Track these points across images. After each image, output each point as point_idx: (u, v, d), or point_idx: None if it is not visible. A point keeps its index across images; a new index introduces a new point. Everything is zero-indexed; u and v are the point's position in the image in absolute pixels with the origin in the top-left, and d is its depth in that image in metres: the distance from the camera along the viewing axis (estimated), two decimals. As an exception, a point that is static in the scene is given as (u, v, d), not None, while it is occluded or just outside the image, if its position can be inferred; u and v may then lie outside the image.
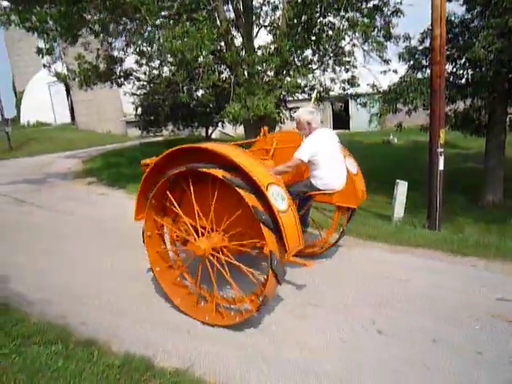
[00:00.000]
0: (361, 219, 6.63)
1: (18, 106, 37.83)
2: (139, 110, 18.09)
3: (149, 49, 10.06)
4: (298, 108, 4.82)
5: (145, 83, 13.07)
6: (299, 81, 9.73)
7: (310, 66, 10.64)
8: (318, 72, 11.64)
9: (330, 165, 3.87)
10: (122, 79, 12.17)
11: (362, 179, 4.43)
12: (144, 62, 11.44)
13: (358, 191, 4.29)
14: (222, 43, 9.72)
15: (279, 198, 3.04)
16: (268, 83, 9.09)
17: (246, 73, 9.81)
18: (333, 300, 3.84)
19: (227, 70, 10.22)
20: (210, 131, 20.55)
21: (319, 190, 3.92)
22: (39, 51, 11.23)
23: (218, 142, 3.53)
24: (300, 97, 12.02)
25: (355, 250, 5.10)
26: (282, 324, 3.48)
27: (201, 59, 7.78)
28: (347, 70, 12.12)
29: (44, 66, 11.79)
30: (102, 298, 4.06)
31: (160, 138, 22.33)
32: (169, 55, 8.30)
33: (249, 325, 3.41)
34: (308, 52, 10.90)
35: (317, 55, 11.07)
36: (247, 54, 9.62)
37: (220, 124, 20.25)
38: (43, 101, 34.40)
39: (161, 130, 20.41)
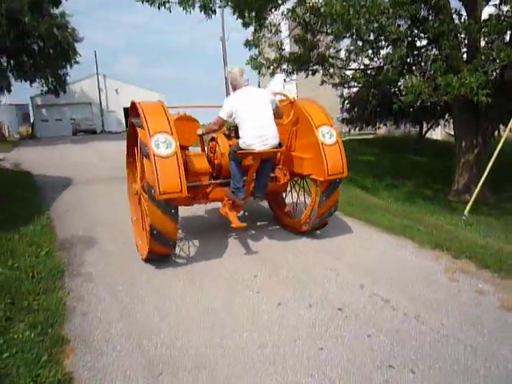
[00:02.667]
0: None
1: (259, 104, 43.12)
2: (346, 103, 16.93)
3: (312, 18, 8.76)
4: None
5: (343, 70, 11.85)
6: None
7: None
8: None
9: (249, 123, 3.79)
10: (317, 66, 11.38)
11: (340, 152, 4.04)
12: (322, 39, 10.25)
13: (327, 163, 3.92)
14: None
15: (163, 145, 3.36)
16: (480, 53, 6.44)
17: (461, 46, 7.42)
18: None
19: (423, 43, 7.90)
20: (425, 129, 17.32)
21: (242, 149, 3.83)
22: (247, 43, 11.70)
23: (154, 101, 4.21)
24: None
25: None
26: None
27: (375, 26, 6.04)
28: None
29: (251, 58, 12.04)
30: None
31: (371, 136, 20.72)
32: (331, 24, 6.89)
33: None
34: None
35: None
36: (467, 23, 7.18)
37: (442, 122, 16.94)
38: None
39: (374, 125, 18.45)
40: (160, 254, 3.80)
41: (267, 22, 10.93)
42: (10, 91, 23.49)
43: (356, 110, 16.74)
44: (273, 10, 9.99)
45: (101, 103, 34.60)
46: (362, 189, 8.45)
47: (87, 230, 5.11)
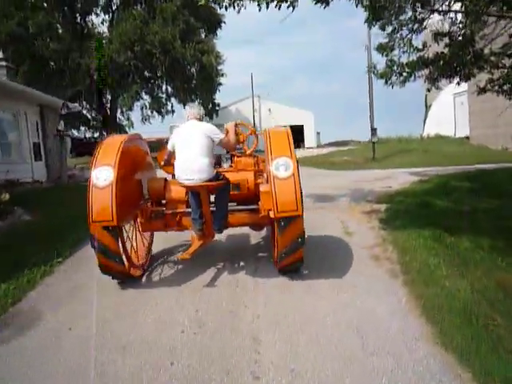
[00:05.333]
0: None
1: (424, 120, 37.98)
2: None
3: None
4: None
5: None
6: None
7: None
8: None
9: (179, 156, 3.95)
10: (472, 68, 8.19)
11: (294, 186, 3.54)
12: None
13: (276, 198, 3.51)
14: None
15: (101, 177, 3.57)
16: None
17: None
18: None
19: None
20: None
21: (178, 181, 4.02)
22: (379, 48, 9.39)
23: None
24: None
25: None
26: None
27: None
28: None
29: (372, 65, 9.61)
30: None
31: None
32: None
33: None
34: None
35: None
36: None
37: None
38: (447, 113, 32.59)
39: None
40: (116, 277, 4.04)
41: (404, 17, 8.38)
42: (172, 113, 25.96)
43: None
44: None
45: (254, 122, 35.96)
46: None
47: (61, 298, 3.92)
